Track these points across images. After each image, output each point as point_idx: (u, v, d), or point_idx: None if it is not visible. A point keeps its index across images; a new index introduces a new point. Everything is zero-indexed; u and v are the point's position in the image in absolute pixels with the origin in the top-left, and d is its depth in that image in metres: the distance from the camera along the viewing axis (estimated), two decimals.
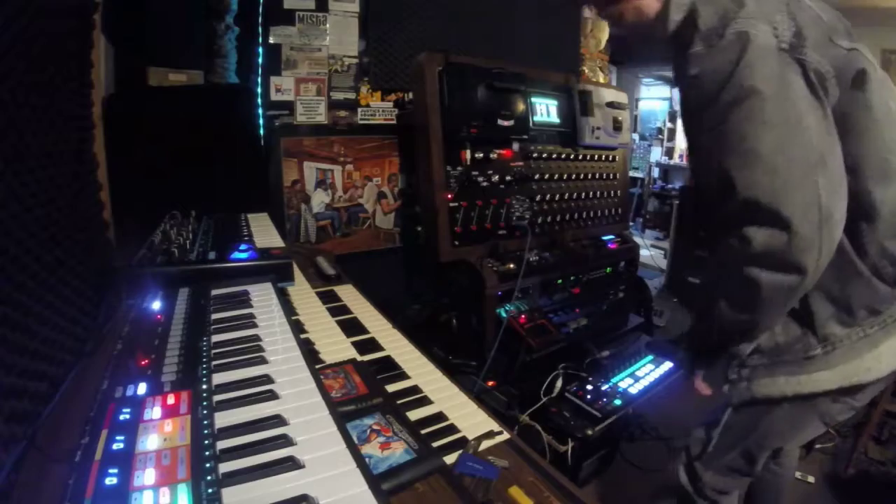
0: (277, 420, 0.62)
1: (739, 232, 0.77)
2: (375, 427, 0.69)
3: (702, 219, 0.98)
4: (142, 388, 0.65)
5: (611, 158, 2.45)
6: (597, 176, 2.35)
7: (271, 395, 0.67)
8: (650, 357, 1.82)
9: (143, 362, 0.73)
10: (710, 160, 0.80)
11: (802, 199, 0.72)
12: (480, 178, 1.90)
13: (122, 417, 0.59)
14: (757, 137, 0.74)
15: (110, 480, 0.49)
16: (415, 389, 0.84)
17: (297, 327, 0.96)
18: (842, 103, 0.80)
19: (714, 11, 0.79)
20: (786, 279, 0.76)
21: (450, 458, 0.66)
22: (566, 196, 2.18)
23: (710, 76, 0.78)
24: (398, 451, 0.64)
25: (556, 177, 2.14)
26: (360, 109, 2.19)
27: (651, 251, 4.12)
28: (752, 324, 0.87)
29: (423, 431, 0.70)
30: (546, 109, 2.17)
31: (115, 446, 0.54)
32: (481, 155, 1.90)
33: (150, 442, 0.55)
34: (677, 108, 6.87)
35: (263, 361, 0.76)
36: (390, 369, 0.90)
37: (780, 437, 1.01)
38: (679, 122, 6.58)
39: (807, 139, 0.74)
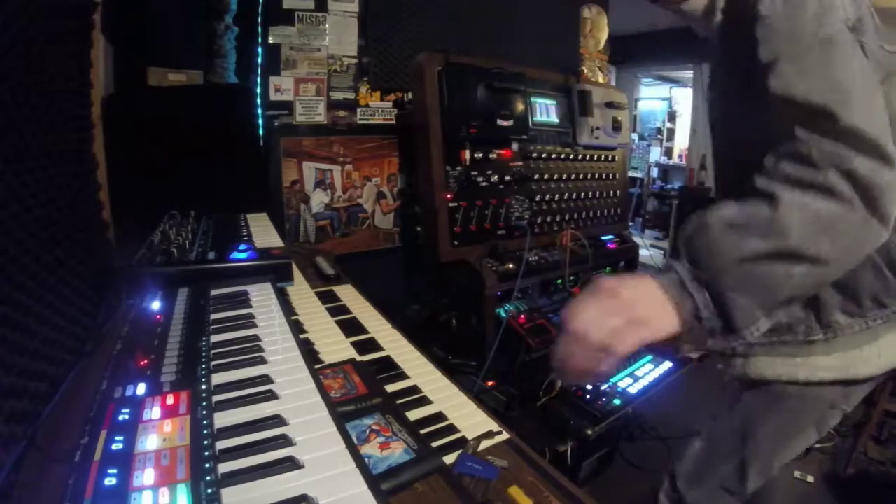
0: (277, 420, 0.62)
1: (835, 148, 0.64)
2: (375, 427, 0.69)
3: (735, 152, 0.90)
4: (141, 389, 0.65)
5: (610, 158, 2.45)
6: (596, 176, 2.35)
7: (271, 396, 0.67)
8: (649, 357, 1.82)
9: (142, 362, 0.73)
10: (783, 93, 0.72)
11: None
12: (480, 178, 1.90)
13: (121, 418, 0.59)
14: (848, 76, 0.69)
15: (110, 481, 0.49)
16: (414, 389, 0.84)
17: (297, 327, 0.96)
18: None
19: None
20: (872, 222, 0.63)
21: (449, 458, 0.66)
22: (566, 196, 2.18)
23: (785, 20, 0.73)
24: (397, 451, 0.64)
25: (555, 177, 2.14)
26: (359, 109, 2.19)
27: (650, 251, 4.12)
28: (815, 264, 0.65)
29: (422, 431, 0.70)
30: (546, 109, 2.17)
31: (114, 446, 0.54)
32: (481, 155, 1.90)
33: (150, 442, 0.55)
34: (676, 107, 6.82)
35: (263, 361, 0.76)
36: (390, 369, 0.90)
37: (774, 442, 0.99)
38: (678, 122, 6.58)
39: (882, 95, 0.72)
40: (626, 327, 0.66)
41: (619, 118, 2.38)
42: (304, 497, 0.50)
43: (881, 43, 0.83)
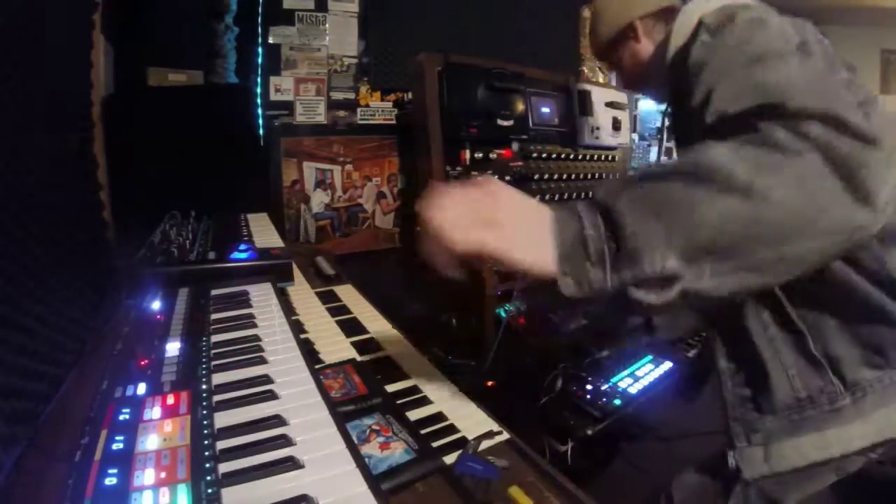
0: (277, 420, 0.62)
1: (785, 124, 0.52)
2: (375, 427, 0.69)
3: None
4: (141, 388, 0.65)
5: (610, 158, 2.45)
6: (596, 176, 2.34)
7: (271, 396, 0.67)
8: (650, 357, 1.82)
9: (142, 362, 0.73)
10: (717, 117, 0.66)
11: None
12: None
13: (121, 417, 0.59)
14: (784, 76, 0.60)
15: (110, 480, 0.49)
16: (414, 389, 0.84)
17: (297, 327, 0.96)
18: None
19: (719, 15, 0.78)
20: (838, 186, 0.50)
21: (450, 458, 0.66)
22: (566, 196, 2.18)
23: (721, 55, 0.72)
24: (398, 451, 0.64)
25: (555, 177, 2.14)
26: (359, 109, 2.19)
27: None
28: (748, 198, 0.49)
29: (422, 431, 0.70)
30: (546, 109, 2.17)
31: (114, 446, 0.54)
32: (481, 155, 1.90)
33: (150, 442, 0.55)
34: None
35: (263, 361, 0.76)
36: (390, 369, 0.90)
37: (785, 485, 0.89)
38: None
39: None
40: (482, 230, 0.53)
41: (620, 118, 2.38)
42: (304, 497, 0.50)
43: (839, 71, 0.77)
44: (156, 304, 0.95)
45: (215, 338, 0.83)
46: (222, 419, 0.61)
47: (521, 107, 2.02)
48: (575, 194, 2.22)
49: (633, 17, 1.06)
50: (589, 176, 2.31)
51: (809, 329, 0.79)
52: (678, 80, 0.83)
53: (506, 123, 1.95)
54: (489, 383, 1.67)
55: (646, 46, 1.04)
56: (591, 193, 0.56)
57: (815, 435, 0.78)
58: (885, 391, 0.76)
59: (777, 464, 0.81)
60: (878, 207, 0.51)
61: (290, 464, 0.54)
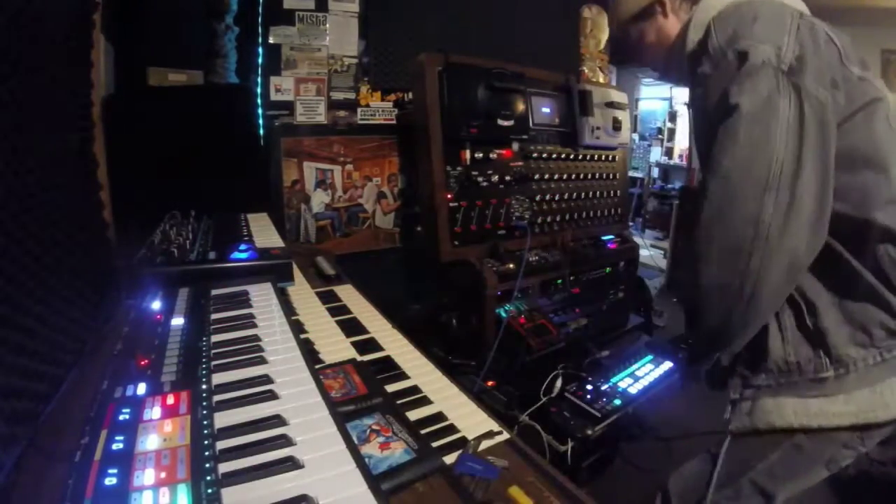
0: (277, 420, 0.62)
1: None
2: (375, 427, 0.69)
3: None
4: (141, 388, 0.65)
5: (610, 158, 2.45)
6: (597, 176, 2.34)
7: (271, 396, 0.67)
8: (650, 357, 1.82)
9: (142, 362, 0.73)
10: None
11: (742, 215, 0.74)
12: (480, 178, 1.90)
13: (121, 417, 0.59)
14: (724, 155, 0.76)
15: (110, 480, 0.49)
16: (415, 389, 0.84)
17: (297, 327, 0.96)
18: (846, 132, 0.77)
19: (724, 32, 0.81)
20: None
21: (450, 458, 0.66)
22: (566, 196, 2.18)
23: (711, 96, 0.80)
24: (398, 451, 0.64)
25: (555, 177, 2.14)
26: (359, 109, 2.18)
27: (651, 251, 4.12)
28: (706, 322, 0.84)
29: (422, 431, 0.70)
30: (546, 109, 2.17)
31: (114, 446, 0.54)
32: (481, 155, 1.90)
33: (150, 442, 0.55)
34: (677, 108, 6.84)
35: (263, 361, 0.76)
36: (390, 369, 0.90)
37: (776, 479, 0.91)
38: (679, 122, 6.58)
39: (767, 164, 0.72)
40: None
41: (620, 118, 2.38)
42: (304, 497, 0.50)
43: (851, 70, 0.80)
44: (156, 304, 0.95)
45: (215, 338, 0.83)
46: (222, 419, 0.61)
47: (521, 107, 2.02)
48: (575, 194, 2.22)
49: None
50: (589, 176, 2.31)
51: (806, 301, 0.84)
52: (694, 79, 0.89)
53: (506, 123, 1.95)
54: (489, 383, 1.67)
55: (672, 23, 1.03)
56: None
57: (797, 400, 0.84)
58: (869, 371, 0.80)
59: (758, 419, 0.87)
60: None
61: (290, 464, 0.54)
